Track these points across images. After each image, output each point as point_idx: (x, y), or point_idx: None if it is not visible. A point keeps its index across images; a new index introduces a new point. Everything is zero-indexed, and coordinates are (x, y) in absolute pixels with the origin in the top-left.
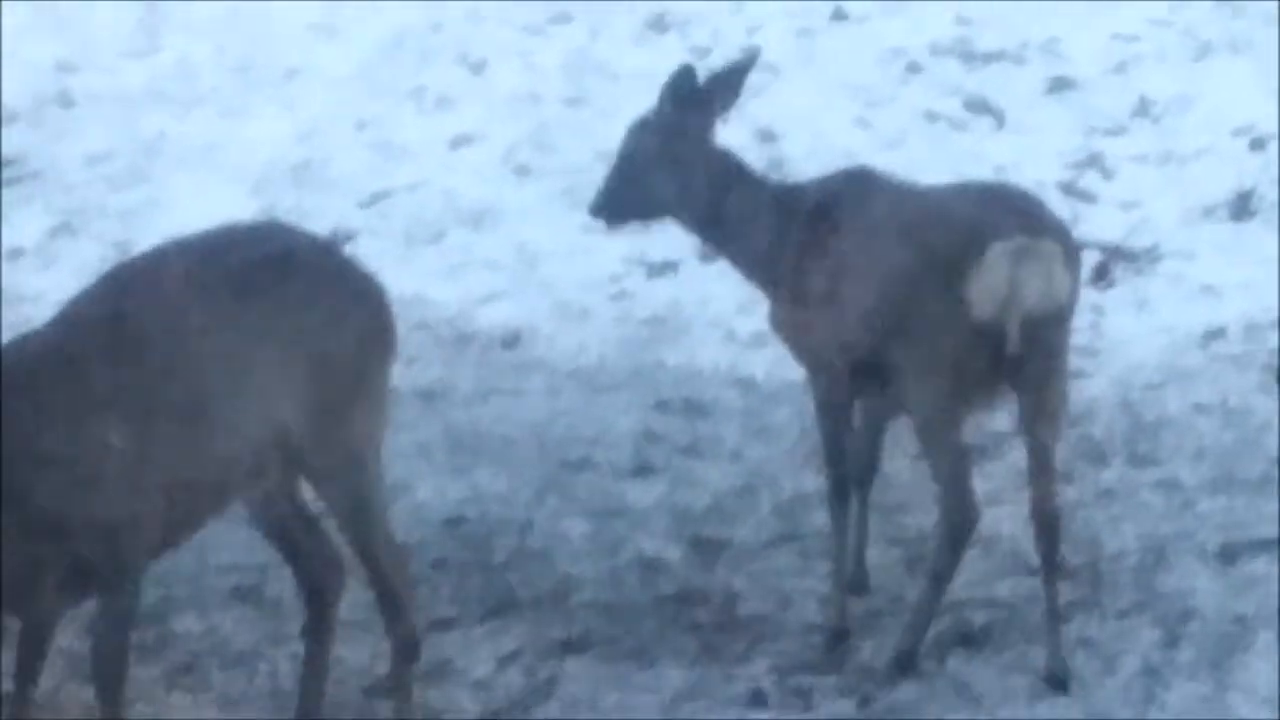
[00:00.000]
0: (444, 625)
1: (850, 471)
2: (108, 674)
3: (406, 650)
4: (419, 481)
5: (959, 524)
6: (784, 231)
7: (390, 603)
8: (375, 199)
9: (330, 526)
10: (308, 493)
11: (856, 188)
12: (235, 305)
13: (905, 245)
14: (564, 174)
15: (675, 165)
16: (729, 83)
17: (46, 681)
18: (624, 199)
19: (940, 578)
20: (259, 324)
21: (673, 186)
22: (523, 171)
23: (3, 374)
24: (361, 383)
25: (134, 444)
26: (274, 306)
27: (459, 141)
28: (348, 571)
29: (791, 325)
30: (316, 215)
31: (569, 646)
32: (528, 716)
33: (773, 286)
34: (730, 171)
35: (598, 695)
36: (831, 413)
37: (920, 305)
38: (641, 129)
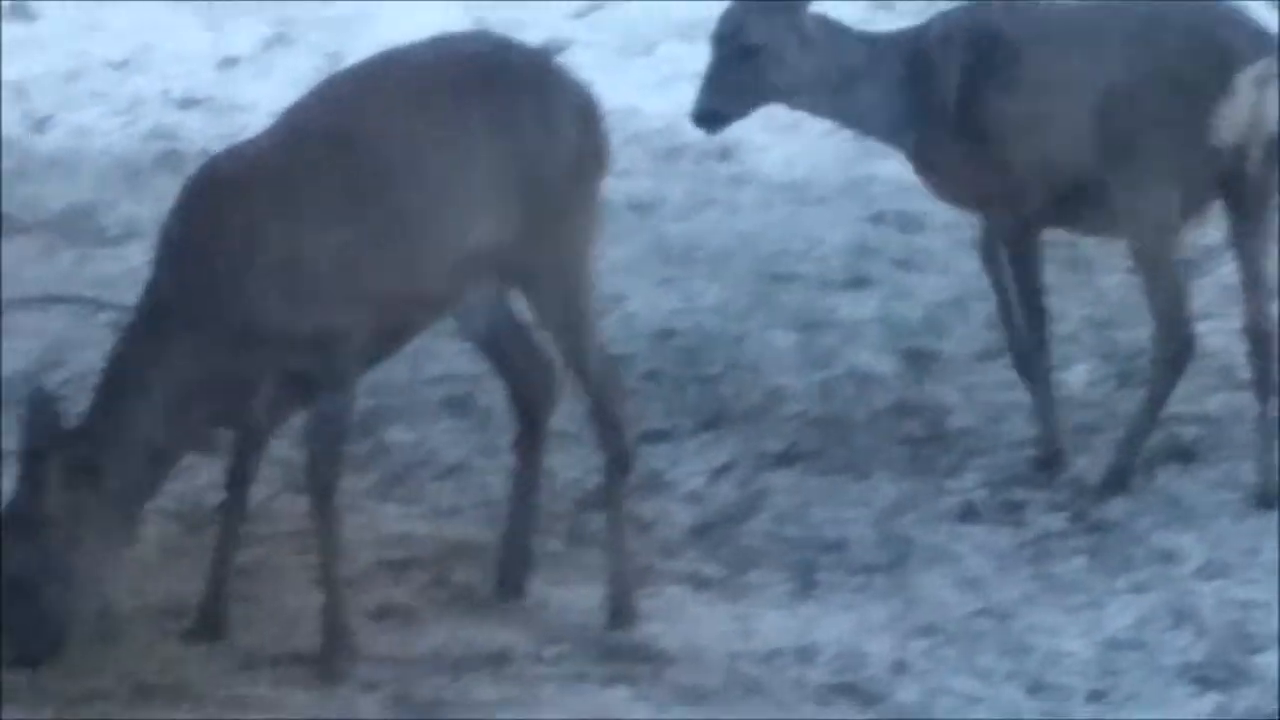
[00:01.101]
0: (656, 437)
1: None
2: (322, 484)
3: (618, 462)
4: (631, 294)
5: (1176, 346)
6: (926, 73)
7: (602, 415)
8: (588, 10)
9: (543, 339)
10: (520, 304)
11: (1019, 10)
12: (448, 116)
13: (1136, 62)
14: None
15: (784, 39)
16: None
17: (261, 491)
18: (733, 90)
19: (1156, 398)
20: (472, 135)
21: (784, 63)
22: None
23: (218, 184)
24: (574, 194)
25: (347, 254)
26: (487, 117)
27: None
28: (560, 383)
29: (962, 163)
30: (529, 26)
31: (780, 459)
32: (739, 528)
33: (921, 133)
34: (837, 33)
35: (808, 508)
36: (1014, 245)
37: (1152, 125)
38: (740, 11)
